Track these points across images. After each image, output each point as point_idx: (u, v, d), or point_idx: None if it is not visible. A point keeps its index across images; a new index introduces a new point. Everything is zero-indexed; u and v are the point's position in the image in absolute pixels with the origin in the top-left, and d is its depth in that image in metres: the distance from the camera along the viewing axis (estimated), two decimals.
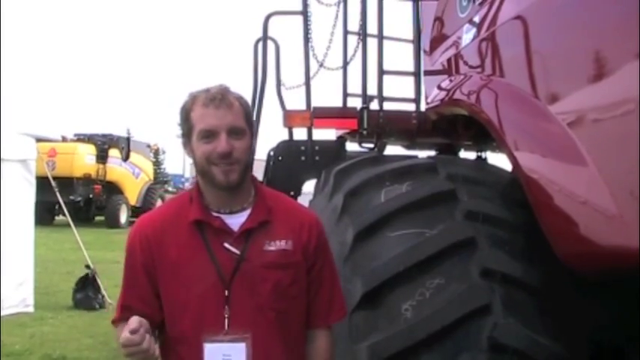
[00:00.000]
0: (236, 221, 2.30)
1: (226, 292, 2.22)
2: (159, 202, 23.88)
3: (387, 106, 3.85)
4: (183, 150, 2.34)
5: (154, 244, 2.28)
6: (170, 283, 2.27)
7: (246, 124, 2.29)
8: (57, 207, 18.04)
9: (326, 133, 4.26)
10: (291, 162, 3.92)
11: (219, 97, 2.22)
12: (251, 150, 2.33)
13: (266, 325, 2.25)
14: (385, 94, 3.81)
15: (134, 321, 2.09)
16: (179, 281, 2.25)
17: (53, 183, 10.25)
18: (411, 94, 3.91)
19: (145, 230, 2.33)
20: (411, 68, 3.94)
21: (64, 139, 25.17)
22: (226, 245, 2.25)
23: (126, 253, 2.36)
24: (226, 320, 2.21)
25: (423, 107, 3.84)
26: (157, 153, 32.41)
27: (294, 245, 2.32)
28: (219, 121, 2.20)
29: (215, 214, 2.30)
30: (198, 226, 2.28)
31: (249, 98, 4.46)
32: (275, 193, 2.54)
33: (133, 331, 2.06)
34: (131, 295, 2.32)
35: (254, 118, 4.40)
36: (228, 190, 2.27)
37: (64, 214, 11.89)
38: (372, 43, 3.86)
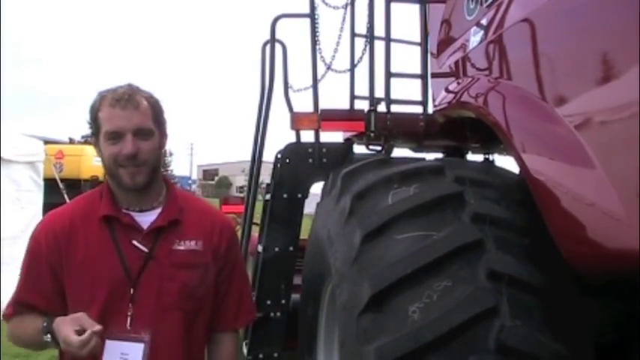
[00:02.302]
0: (146, 219, 2.29)
1: (132, 290, 2.22)
2: None
3: (395, 108, 3.85)
4: (95, 149, 2.33)
5: (61, 240, 2.24)
6: (77, 279, 2.24)
7: (155, 125, 2.27)
8: None
9: (333, 136, 4.28)
10: (298, 164, 3.92)
11: (126, 98, 2.20)
12: (160, 150, 2.31)
13: (170, 325, 2.24)
14: (392, 96, 3.82)
15: (88, 321, 2.09)
16: (86, 277, 2.23)
17: (61, 185, 10.29)
18: (419, 97, 3.91)
19: (53, 226, 2.31)
20: (418, 71, 3.95)
21: (71, 141, 25.24)
22: (135, 243, 2.25)
23: (28, 248, 2.32)
24: (129, 318, 2.21)
25: (430, 110, 3.84)
26: (163, 155, 32.47)
27: (204, 246, 2.31)
28: (124, 123, 2.18)
29: (125, 211, 2.29)
30: (108, 223, 2.26)
31: (256, 101, 4.50)
32: (188, 194, 2.54)
33: (80, 333, 2.06)
34: (31, 290, 2.28)
35: (261, 120, 4.42)
36: (135, 192, 2.27)
37: None
38: (379, 46, 3.87)
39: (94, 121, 2.24)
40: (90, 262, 2.23)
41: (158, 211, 2.30)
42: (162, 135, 2.30)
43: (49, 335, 2.15)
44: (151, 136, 2.23)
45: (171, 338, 2.23)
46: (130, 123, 2.18)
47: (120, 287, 2.21)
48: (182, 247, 2.28)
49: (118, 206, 2.28)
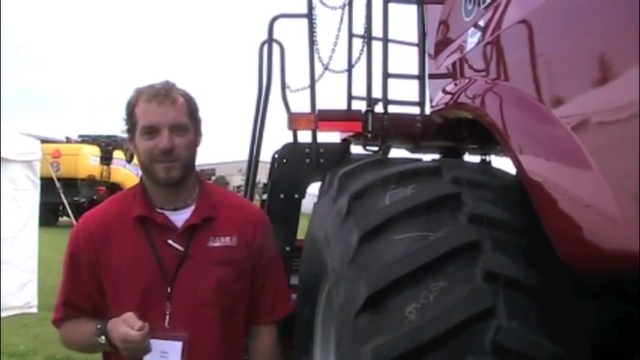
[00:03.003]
0: (180, 218, 2.31)
1: (169, 289, 2.23)
2: None
3: (392, 109, 3.85)
4: (129, 145, 2.34)
5: (98, 241, 2.28)
6: (114, 279, 2.27)
7: (190, 121, 2.28)
8: (61, 208, 18.10)
9: (331, 136, 4.27)
10: (295, 164, 3.92)
11: (163, 93, 2.21)
12: (195, 147, 2.32)
13: (208, 321, 2.26)
14: (390, 97, 3.82)
15: (135, 319, 2.11)
16: (123, 278, 2.25)
17: (57, 184, 10.28)
18: (416, 98, 3.91)
19: (89, 227, 2.33)
20: (415, 71, 3.95)
21: (68, 141, 25.23)
22: (170, 242, 2.26)
23: (68, 250, 2.36)
24: (167, 317, 2.22)
25: (427, 110, 3.84)
26: None
27: (238, 241, 2.32)
28: (161, 118, 2.20)
29: (159, 211, 2.30)
30: (142, 223, 2.28)
31: (253, 101, 4.50)
32: (220, 190, 2.55)
33: (140, 329, 2.08)
34: (73, 292, 2.35)
35: (258, 120, 4.42)
36: (170, 187, 2.27)
37: (67, 215, 11.92)
38: (376, 47, 3.87)
39: (130, 117, 2.25)
40: (126, 262, 2.25)
41: (192, 208, 2.31)
42: (198, 133, 2.31)
43: (103, 337, 2.19)
44: (187, 132, 2.25)
45: (210, 335, 2.24)
46: (166, 118, 2.19)
47: (157, 286, 2.23)
48: (217, 244, 2.29)
49: (152, 206, 2.29)
